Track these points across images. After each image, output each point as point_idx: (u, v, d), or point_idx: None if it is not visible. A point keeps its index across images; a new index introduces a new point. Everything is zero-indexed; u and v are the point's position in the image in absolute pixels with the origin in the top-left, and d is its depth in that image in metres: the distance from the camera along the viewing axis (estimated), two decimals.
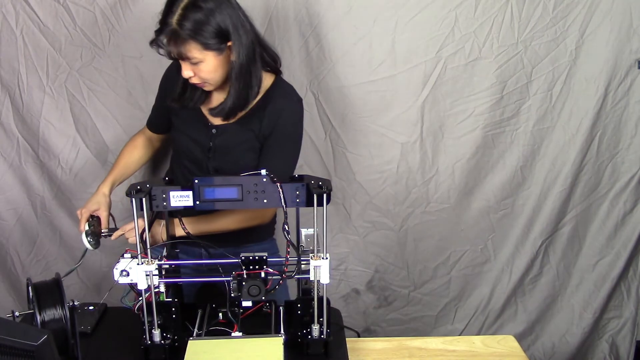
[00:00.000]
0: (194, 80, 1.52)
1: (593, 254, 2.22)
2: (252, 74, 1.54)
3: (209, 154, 1.65)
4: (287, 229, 1.31)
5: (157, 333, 1.33)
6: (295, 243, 1.34)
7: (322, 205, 1.24)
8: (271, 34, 1.87)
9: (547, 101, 1.99)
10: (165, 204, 1.28)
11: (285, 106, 1.61)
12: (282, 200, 1.28)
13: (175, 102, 1.63)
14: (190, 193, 1.28)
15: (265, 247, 1.81)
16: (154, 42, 1.46)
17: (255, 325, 1.41)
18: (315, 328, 1.35)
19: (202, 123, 1.65)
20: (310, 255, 1.29)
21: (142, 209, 1.24)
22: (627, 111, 2.02)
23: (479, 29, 1.87)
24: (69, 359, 1.22)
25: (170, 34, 1.42)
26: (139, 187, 1.26)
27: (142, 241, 1.29)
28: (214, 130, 1.64)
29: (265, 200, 1.29)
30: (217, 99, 1.63)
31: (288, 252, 1.32)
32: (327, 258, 1.27)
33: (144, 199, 1.24)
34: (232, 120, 1.61)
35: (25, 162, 2.00)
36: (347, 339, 1.46)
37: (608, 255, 2.22)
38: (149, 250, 1.27)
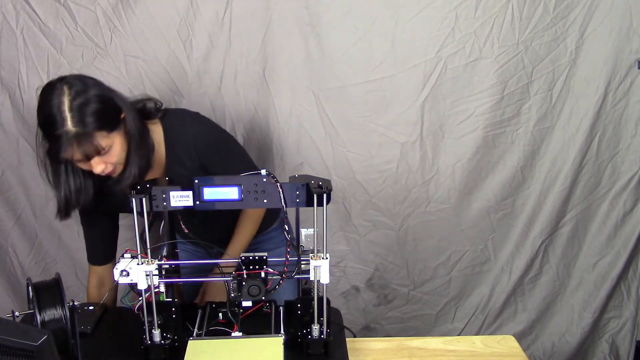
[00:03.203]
0: (107, 171, 1.41)
1: (593, 254, 2.22)
2: (146, 131, 1.48)
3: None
4: (287, 229, 1.31)
5: (157, 333, 1.33)
6: (295, 243, 1.34)
7: (322, 206, 1.24)
8: (271, 34, 1.87)
9: (548, 101, 1.99)
10: (165, 204, 1.28)
11: (190, 131, 1.54)
12: (282, 200, 1.28)
13: (105, 206, 1.55)
14: (190, 193, 1.28)
15: (273, 235, 1.82)
16: (55, 159, 1.37)
17: (255, 325, 1.41)
18: (315, 328, 1.35)
19: None
20: (310, 255, 1.29)
21: (142, 209, 1.24)
22: (627, 111, 2.02)
23: (480, 29, 1.87)
24: (69, 359, 1.22)
25: (75, 139, 1.31)
26: (139, 187, 1.26)
27: (142, 241, 1.29)
28: None
29: (265, 200, 1.28)
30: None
31: (288, 252, 1.32)
32: (327, 258, 1.27)
33: (144, 199, 1.23)
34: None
35: (25, 162, 2.00)
36: (347, 339, 1.46)
37: (608, 255, 2.22)
38: (149, 250, 1.27)
